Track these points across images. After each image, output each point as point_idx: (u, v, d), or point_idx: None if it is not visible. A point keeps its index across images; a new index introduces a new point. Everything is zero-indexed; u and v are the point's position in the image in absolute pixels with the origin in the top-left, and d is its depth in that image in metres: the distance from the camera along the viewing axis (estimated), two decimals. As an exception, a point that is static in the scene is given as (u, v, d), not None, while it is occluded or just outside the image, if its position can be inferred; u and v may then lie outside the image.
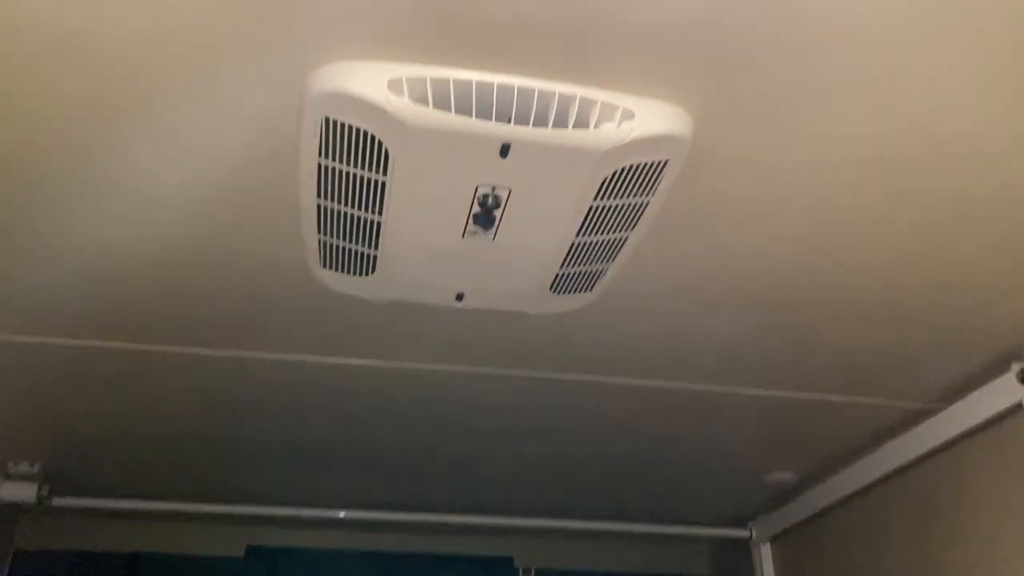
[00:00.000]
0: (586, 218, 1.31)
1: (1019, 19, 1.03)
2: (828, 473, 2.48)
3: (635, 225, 1.35)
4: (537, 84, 1.09)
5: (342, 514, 2.75)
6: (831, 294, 1.60)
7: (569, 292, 1.54)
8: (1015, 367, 1.76)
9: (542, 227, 1.32)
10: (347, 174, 1.21)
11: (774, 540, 2.88)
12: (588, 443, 2.32)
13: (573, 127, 1.12)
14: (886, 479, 2.26)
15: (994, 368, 1.83)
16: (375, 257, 1.39)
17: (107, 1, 0.98)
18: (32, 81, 1.10)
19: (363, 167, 1.19)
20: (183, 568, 2.93)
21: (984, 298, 1.61)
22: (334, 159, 1.18)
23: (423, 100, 1.08)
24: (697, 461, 2.45)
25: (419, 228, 1.32)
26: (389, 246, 1.36)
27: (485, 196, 1.25)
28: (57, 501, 2.50)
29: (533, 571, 3.19)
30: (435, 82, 1.07)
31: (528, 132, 1.12)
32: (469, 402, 2.05)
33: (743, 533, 2.93)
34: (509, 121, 1.11)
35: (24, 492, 2.41)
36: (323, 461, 2.45)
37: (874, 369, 1.89)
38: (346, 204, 1.27)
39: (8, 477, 2.40)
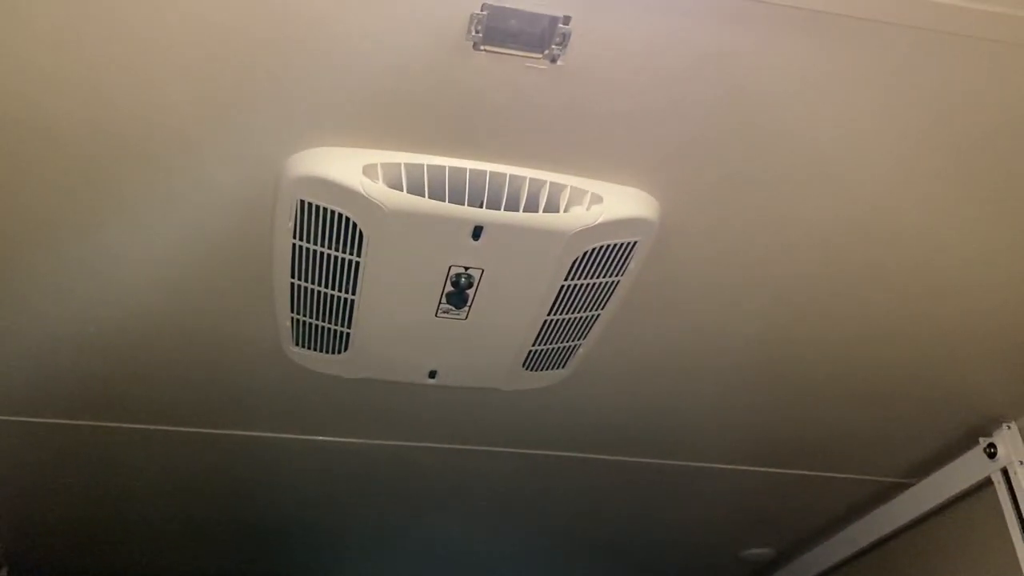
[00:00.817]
0: (558, 297, 1.33)
1: (962, 122, 1.08)
2: (805, 548, 2.47)
3: (606, 303, 1.37)
4: (508, 169, 1.13)
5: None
6: (801, 371, 1.62)
7: (542, 369, 1.55)
8: (983, 442, 1.78)
9: (514, 306, 1.34)
10: (321, 255, 1.22)
11: (752, 617, 2.84)
12: (561, 520, 2.29)
13: (543, 211, 1.15)
14: (861, 554, 2.26)
15: (963, 443, 1.85)
16: (348, 335, 1.40)
17: (86, 86, 1.01)
18: (5, 161, 1.11)
19: (338, 248, 1.21)
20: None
21: (952, 375, 1.64)
22: (309, 240, 1.20)
23: (397, 184, 1.11)
24: (673, 537, 2.43)
25: (393, 307, 1.33)
26: (362, 324, 1.37)
27: (458, 276, 1.26)
28: (17, 583, 2.43)
29: (509, 652, 3.11)
30: (409, 167, 1.10)
31: (500, 215, 1.14)
32: (442, 479, 2.03)
33: (721, 610, 2.89)
34: (481, 205, 1.14)
35: (-18, 574, 2.33)
36: (292, 539, 2.40)
37: (846, 445, 1.90)
38: (320, 284, 1.28)
39: (-34, 558, 2.33)
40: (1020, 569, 1.68)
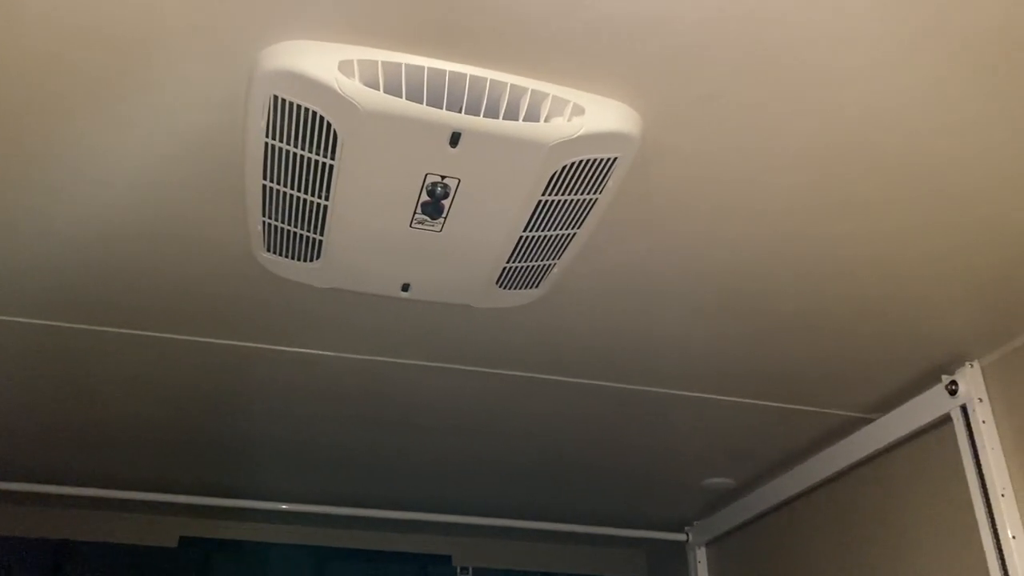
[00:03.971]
0: (534, 213, 1.31)
1: (961, 40, 1.06)
2: (765, 479, 2.53)
3: (583, 222, 1.36)
4: (489, 74, 1.10)
5: (284, 506, 2.72)
6: (772, 301, 1.63)
7: (516, 287, 1.54)
8: (945, 379, 1.81)
9: (490, 219, 1.32)
10: (294, 156, 1.19)
11: (710, 544, 2.92)
12: (529, 442, 2.32)
13: (523, 119, 1.13)
14: (820, 486, 2.31)
15: (926, 380, 1.88)
16: (320, 242, 1.38)
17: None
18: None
19: (311, 149, 1.18)
20: (114, 557, 2.86)
21: (919, 312, 1.65)
22: (282, 140, 1.17)
23: (374, 83, 1.08)
24: (638, 464, 2.47)
25: (367, 214, 1.31)
26: (335, 232, 1.35)
27: (434, 185, 1.24)
28: (-18, 484, 2.43)
29: (471, 570, 3.19)
30: (386, 66, 1.07)
31: (478, 122, 1.12)
32: (411, 396, 2.04)
33: (680, 536, 2.97)
34: (460, 110, 1.11)
35: (-53, 473, 2.33)
36: (261, 452, 2.41)
37: (812, 378, 1.93)
38: (292, 187, 1.26)
39: (-69, 457, 2.33)
40: (972, 503, 1.72)
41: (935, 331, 1.72)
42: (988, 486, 1.69)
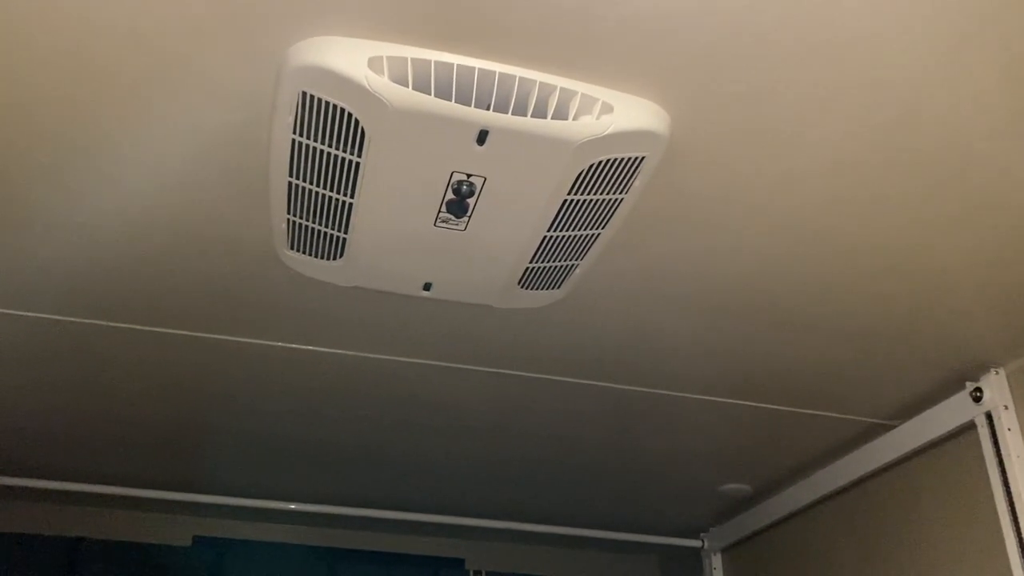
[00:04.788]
0: (559, 212, 1.30)
1: (992, 40, 1.05)
2: (782, 485, 2.51)
3: (607, 223, 1.35)
4: (518, 72, 1.09)
5: (294, 506, 2.72)
6: (795, 305, 1.62)
7: (537, 288, 1.53)
8: (969, 386, 1.79)
9: (515, 219, 1.32)
10: (321, 153, 1.19)
11: (726, 551, 2.90)
12: (545, 445, 2.31)
13: (552, 117, 1.12)
14: (839, 493, 2.29)
15: (949, 387, 1.86)
16: (344, 240, 1.38)
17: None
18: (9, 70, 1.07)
19: (338, 146, 1.17)
20: (128, 555, 2.86)
21: (942, 318, 1.64)
22: (309, 136, 1.17)
23: (403, 80, 1.07)
24: (655, 469, 2.46)
25: (391, 213, 1.30)
26: (359, 230, 1.34)
27: (460, 183, 1.24)
28: (-3, 480, 2.44)
29: (484, 574, 3.18)
30: (416, 63, 1.07)
31: (507, 120, 1.11)
32: (428, 396, 2.03)
33: (695, 543, 2.95)
34: (488, 108, 1.11)
35: (-37, 469, 2.34)
36: (277, 452, 2.41)
37: (833, 383, 1.91)
38: (318, 184, 1.25)
39: (-54, 453, 2.33)
40: (997, 512, 1.70)
41: (959, 337, 1.70)
42: (1013, 495, 1.67)
